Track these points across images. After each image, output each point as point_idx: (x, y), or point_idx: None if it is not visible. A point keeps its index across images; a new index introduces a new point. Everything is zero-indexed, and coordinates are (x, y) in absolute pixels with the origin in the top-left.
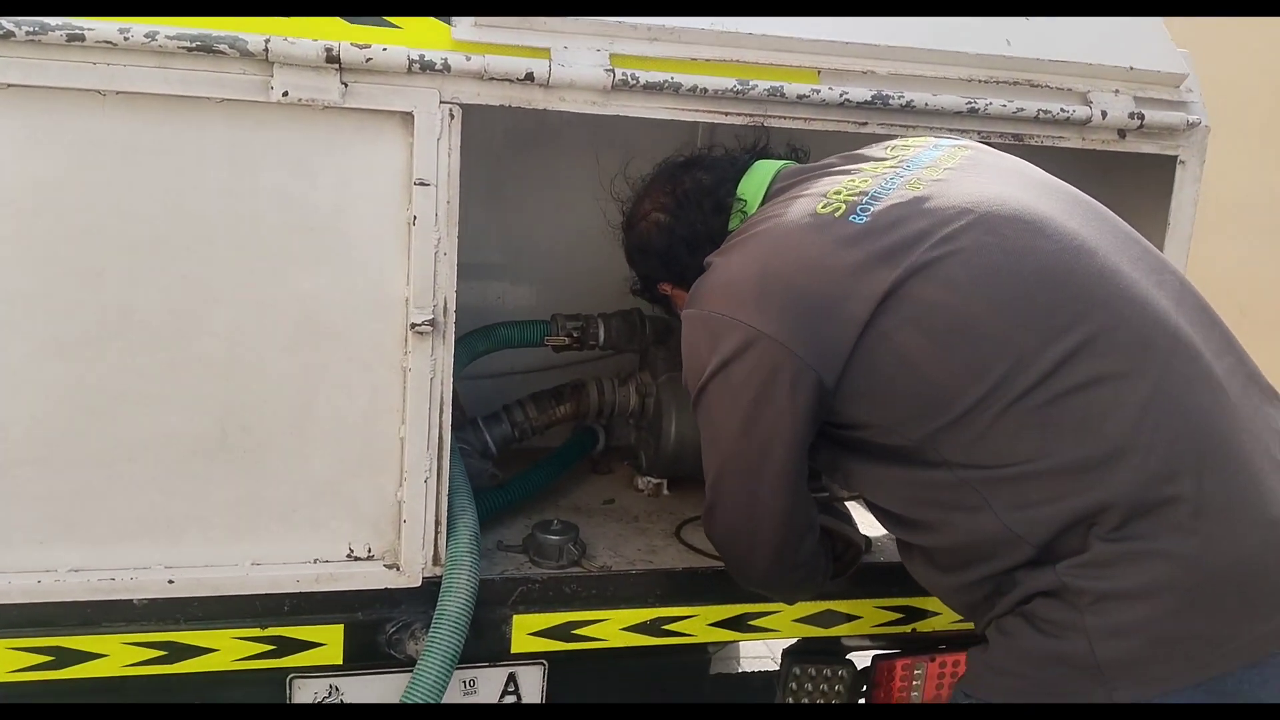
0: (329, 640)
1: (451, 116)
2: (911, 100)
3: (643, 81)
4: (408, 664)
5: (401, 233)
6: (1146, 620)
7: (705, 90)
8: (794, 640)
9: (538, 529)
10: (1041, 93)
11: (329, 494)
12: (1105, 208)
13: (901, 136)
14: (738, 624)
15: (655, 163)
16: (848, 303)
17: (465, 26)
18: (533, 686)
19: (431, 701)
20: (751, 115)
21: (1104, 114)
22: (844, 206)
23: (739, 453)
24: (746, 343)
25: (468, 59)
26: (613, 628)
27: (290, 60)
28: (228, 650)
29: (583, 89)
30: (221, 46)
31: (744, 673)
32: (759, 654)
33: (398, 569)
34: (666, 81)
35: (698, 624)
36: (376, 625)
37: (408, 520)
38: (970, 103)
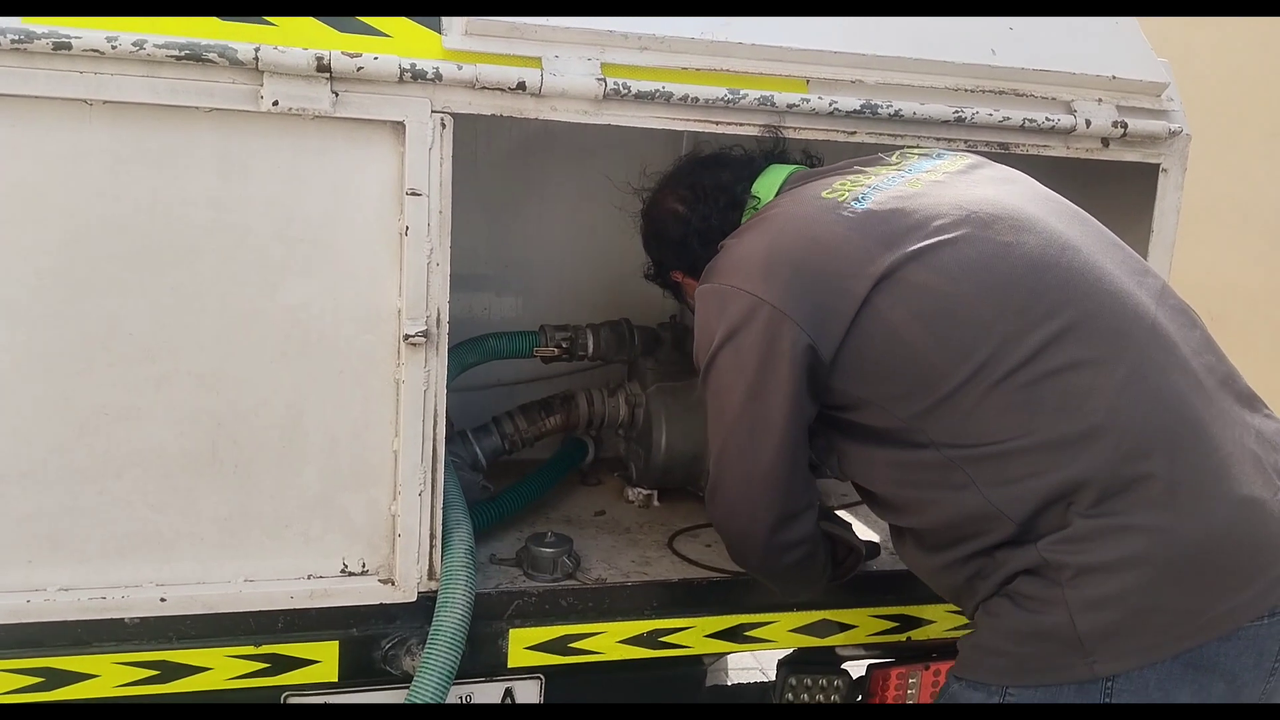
0: (324, 657)
1: (443, 126)
2: (900, 109)
3: (634, 91)
4: (404, 680)
5: (393, 243)
6: (1124, 592)
7: (696, 99)
8: (789, 651)
9: (531, 542)
10: (1026, 102)
11: (321, 508)
12: (1091, 216)
13: (910, 147)
14: (734, 635)
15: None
16: (847, 280)
17: (456, 35)
18: (530, 700)
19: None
20: (742, 124)
21: (1088, 123)
22: (847, 195)
23: (743, 419)
24: (751, 311)
25: (459, 68)
26: (609, 640)
27: (280, 69)
28: (221, 669)
29: (574, 98)
30: (211, 55)
31: (740, 684)
32: (746, 665)
33: (393, 584)
34: (658, 91)
35: (694, 635)
36: (372, 641)
37: (402, 534)
38: (957, 112)
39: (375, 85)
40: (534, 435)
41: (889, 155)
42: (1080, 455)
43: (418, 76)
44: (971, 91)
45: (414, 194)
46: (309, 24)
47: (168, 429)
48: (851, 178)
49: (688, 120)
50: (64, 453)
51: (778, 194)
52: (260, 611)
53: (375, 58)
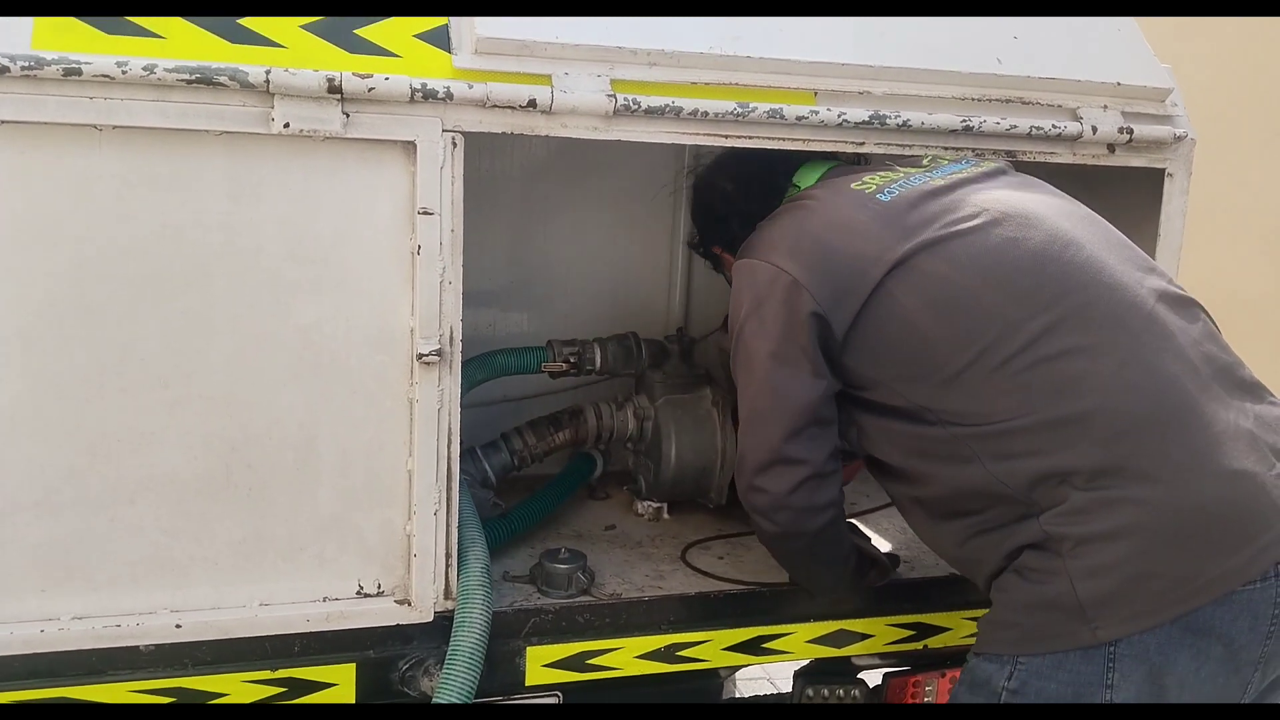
0: (341, 680)
1: (454, 145)
2: (908, 120)
3: (644, 106)
4: (422, 701)
5: (405, 263)
6: (1120, 561)
7: (706, 114)
8: (805, 662)
9: (545, 558)
10: (1033, 110)
11: (336, 529)
12: (1102, 219)
13: (940, 154)
14: (752, 647)
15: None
16: (864, 263)
17: (466, 55)
18: None
19: None
20: (751, 137)
21: (1094, 129)
22: (875, 188)
23: (770, 382)
24: (774, 280)
25: (470, 87)
26: (627, 656)
27: (291, 91)
28: (238, 694)
29: (585, 114)
30: (221, 78)
31: (757, 696)
32: (754, 676)
33: (409, 604)
34: (667, 106)
35: (712, 649)
36: (389, 663)
37: (418, 554)
38: (965, 120)
39: (386, 105)
40: (543, 451)
41: (922, 159)
42: (1075, 434)
43: (429, 96)
44: (978, 100)
45: (426, 213)
46: (318, 45)
47: (180, 453)
48: (883, 174)
49: (697, 134)
50: (76, 479)
51: (814, 185)
52: (276, 635)
53: (386, 78)
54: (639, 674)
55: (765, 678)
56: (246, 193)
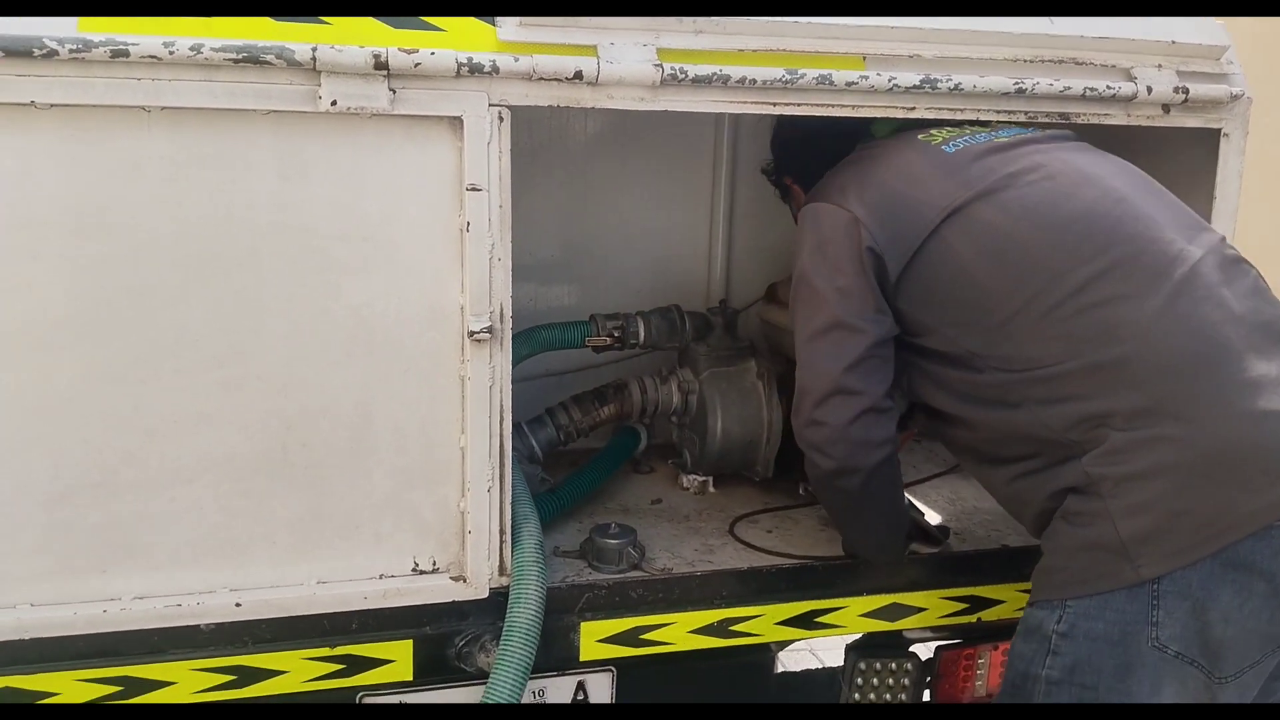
0: (398, 656)
1: (500, 119)
2: (960, 83)
3: (691, 75)
4: (478, 677)
5: (454, 239)
6: (1158, 497)
7: (754, 81)
8: (857, 636)
9: (596, 533)
10: (1086, 70)
11: (391, 507)
12: (1155, 181)
13: (1006, 121)
14: (805, 621)
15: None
16: (922, 209)
17: (510, 27)
18: (602, 693)
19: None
20: (800, 104)
21: (1149, 89)
22: (940, 140)
23: (834, 315)
24: (836, 218)
25: (516, 60)
26: (680, 631)
27: (338, 68)
28: (297, 671)
29: (631, 85)
30: (268, 57)
31: (808, 670)
32: (797, 648)
33: (464, 581)
34: (715, 74)
35: (764, 623)
36: (445, 639)
37: (472, 531)
38: (1018, 83)
39: (432, 81)
40: (588, 425)
41: (989, 123)
42: (1115, 378)
43: (475, 70)
44: (1030, 62)
45: (474, 189)
46: (362, 20)
47: (237, 433)
48: (950, 130)
49: (745, 102)
50: (135, 461)
51: (886, 135)
52: (334, 613)
53: (432, 53)
54: (691, 649)
55: (808, 650)
56: (295, 172)
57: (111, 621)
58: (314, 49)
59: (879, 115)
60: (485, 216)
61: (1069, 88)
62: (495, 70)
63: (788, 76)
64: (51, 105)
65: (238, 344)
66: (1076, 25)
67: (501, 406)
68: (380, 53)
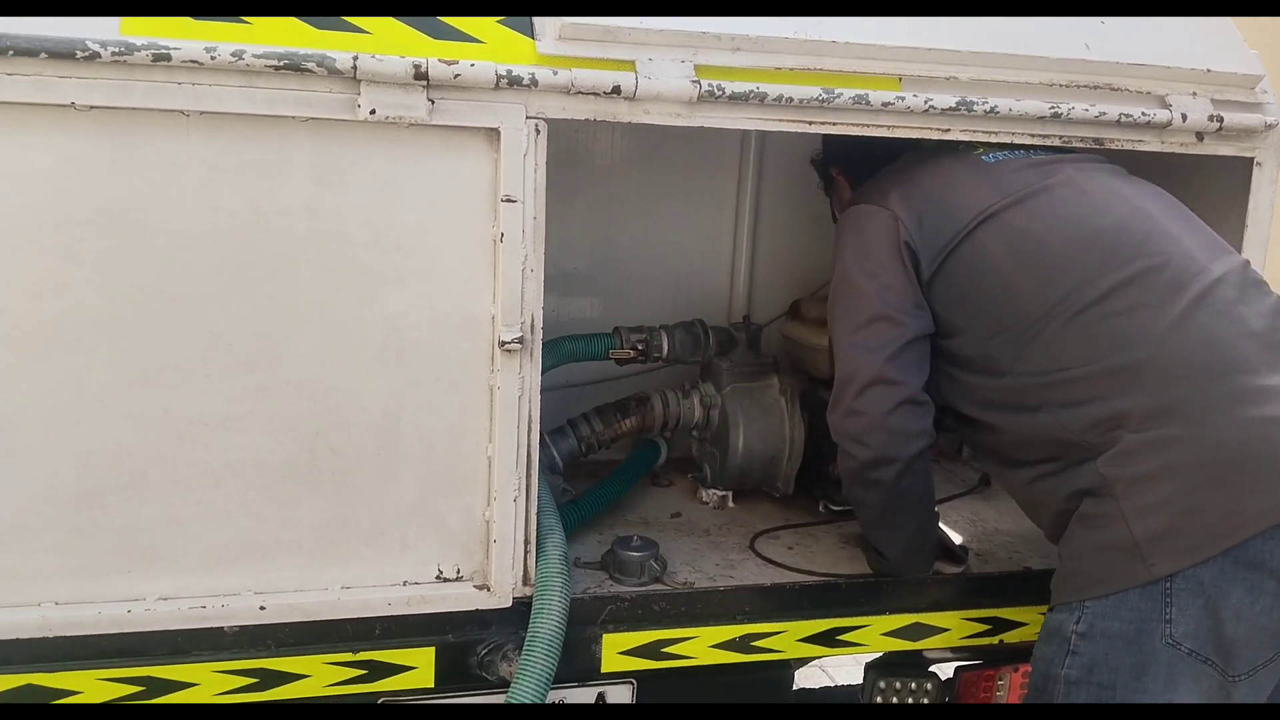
0: (420, 663)
1: (537, 131)
2: (995, 106)
3: (728, 92)
4: (499, 686)
5: (487, 250)
6: (1170, 496)
7: (790, 99)
8: (877, 655)
9: (618, 545)
10: (1121, 96)
11: (417, 515)
12: (1185, 206)
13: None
14: (827, 639)
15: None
16: (958, 211)
17: (550, 40)
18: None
19: None
20: (835, 124)
21: (1184, 117)
22: (982, 150)
23: (873, 308)
24: (878, 219)
25: (555, 73)
26: (702, 645)
27: (378, 78)
28: (319, 676)
29: (668, 101)
30: (309, 65)
31: (828, 687)
32: (810, 667)
33: (488, 590)
34: (752, 92)
35: (786, 640)
36: (468, 647)
37: (497, 540)
38: (1053, 108)
39: (471, 92)
40: (610, 438)
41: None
42: (1130, 380)
43: (514, 83)
44: (1066, 87)
45: (509, 200)
46: (401, 30)
47: (266, 438)
48: (992, 146)
49: (780, 120)
50: (163, 463)
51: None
52: (358, 618)
53: (472, 65)
54: (712, 663)
55: (819, 668)
56: (332, 180)
57: (135, 622)
58: (355, 58)
59: (914, 136)
60: (519, 228)
61: (1104, 113)
62: (534, 83)
63: (824, 95)
64: (91, 107)
65: (269, 349)
66: (1112, 50)
67: (530, 417)
68: (421, 63)
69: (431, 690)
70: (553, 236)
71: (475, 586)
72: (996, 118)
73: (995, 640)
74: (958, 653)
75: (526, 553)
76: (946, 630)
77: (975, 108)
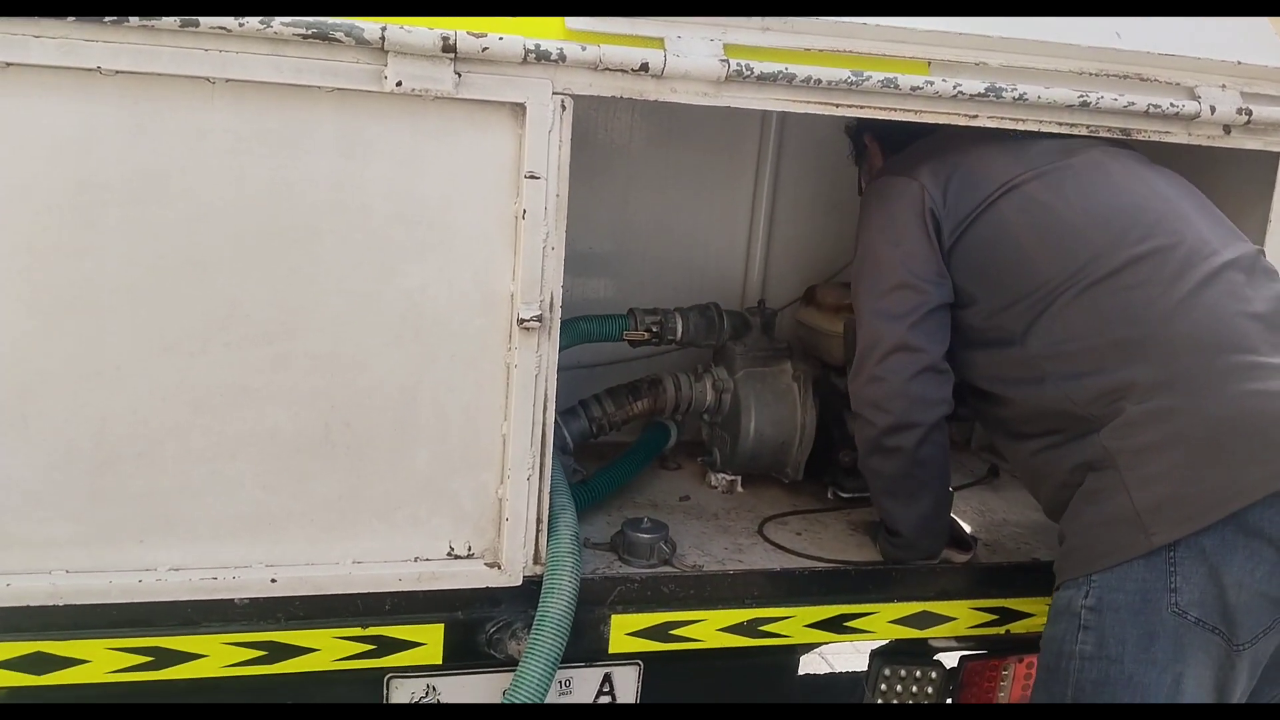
0: (429, 640)
1: (563, 107)
2: (1025, 93)
3: (757, 73)
4: (507, 664)
5: (509, 226)
6: (1171, 467)
7: (819, 81)
8: (883, 642)
9: (628, 527)
10: (1150, 87)
11: (430, 491)
12: (1203, 195)
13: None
14: (834, 625)
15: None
16: (982, 180)
17: (578, 15)
18: (628, 687)
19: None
20: (863, 107)
21: (1212, 109)
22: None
23: (897, 275)
24: (905, 188)
25: (583, 49)
26: (709, 628)
27: (406, 49)
28: (328, 650)
29: (696, 80)
30: (337, 34)
31: (833, 673)
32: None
33: (499, 568)
34: (780, 72)
35: (794, 625)
36: (477, 625)
37: (509, 518)
38: (1082, 96)
39: (498, 66)
40: (621, 419)
41: None
42: (1135, 353)
43: (541, 57)
44: (1095, 75)
45: (532, 177)
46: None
47: (282, 410)
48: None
49: (808, 102)
50: (179, 433)
51: None
52: (368, 593)
53: (500, 38)
54: (719, 646)
55: (819, 655)
56: (356, 151)
57: (146, 592)
58: (383, 28)
59: (942, 121)
60: (542, 205)
61: (1132, 103)
62: (562, 58)
63: (853, 78)
64: (117, 72)
65: (289, 321)
66: (1142, 40)
67: (546, 395)
68: (449, 35)
69: (439, 667)
70: (569, 216)
71: (486, 564)
72: (1025, 105)
73: (1002, 630)
74: (963, 642)
75: (538, 532)
76: (954, 619)
77: (1004, 94)
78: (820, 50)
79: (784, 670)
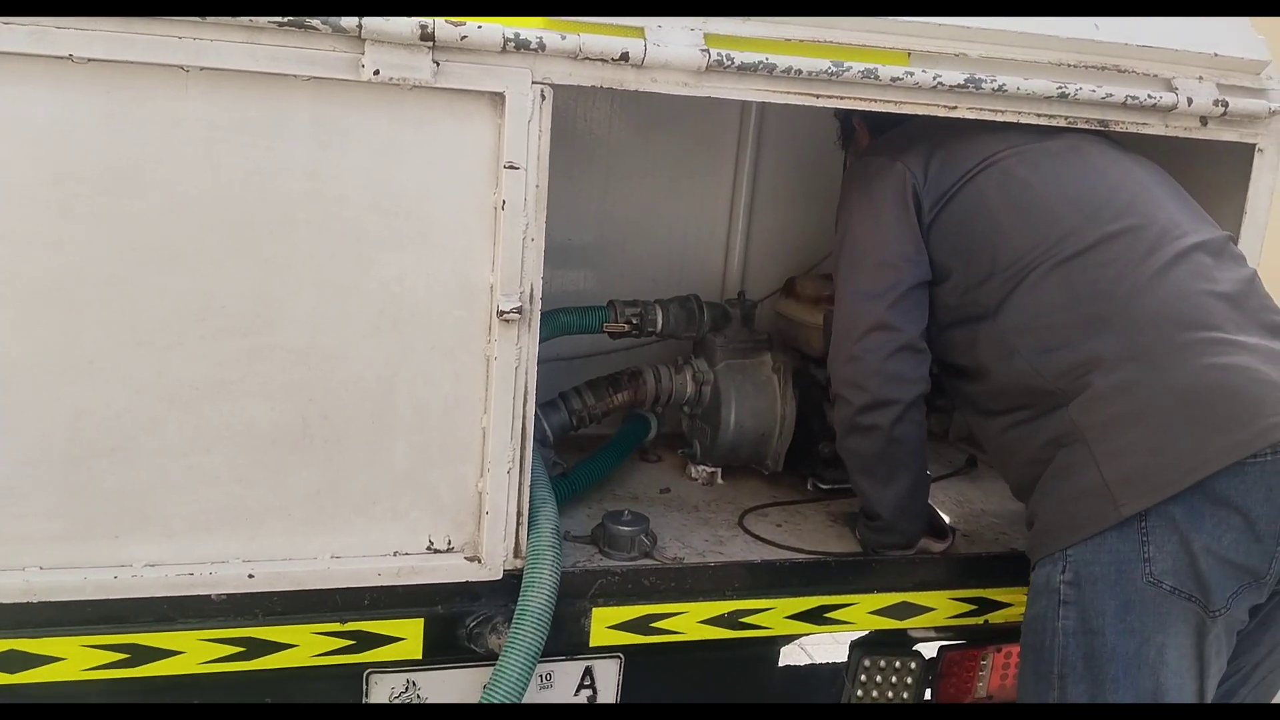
0: (408, 635)
1: (543, 97)
2: (1004, 84)
3: (737, 63)
4: (487, 658)
5: (488, 217)
6: (1138, 439)
7: (800, 72)
8: (863, 632)
9: (608, 519)
10: (1128, 78)
11: (409, 484)
12: (1175, 182)
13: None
14: (815, 616)
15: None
16: (960, 158)
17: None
18: (608, 680)
19: (513, 700)
20: (843, 98)
21: (1189, 101)
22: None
23: (876, 254)
24: (886, 168)
25: (563, 38)
26: (690, 620)
27: (383, 37)
28: (307, 645)
29: (677, 70)
30: (314, 22)
31: (813, 664)
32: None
33: (479, 561)
34: (761, 63)
35: (774, 616)
36: (456, 619)
37: (489, 512)
38: (1061, 87)
39: (477, 55)
40: (601, 412)
41: None
42: (1103, 327)
43: (521, 46)
44: (1074, 67)
45: (512, 167)
46: None
47: (259, 403)
48: None
49: (788, 93)
50: (155, 427)
51: None
52: (346, 588)
53: (479, 26)
54: (700, 639)
55: (800, 646)
56: (332, 141)
57: (122, 588)
58: (361, 16)
59: (921, 112)
60: (521, 195)
61: (1111, 94)
62: (542, 47)
63: (833, 69)
64: (90, 60)
65: (265, 312)
66: (1121, 32)
67: (526, 388)
68: (427, 23)
69: (419, 662)
70: (549, 207)
71: (466, 558)
72: (1004, 96)
73: (980, 620)
74: (942, 632)
75: (519, 525)
76: (933, 610)
77: (983, 85)
78: (801, 40)
79: (764, 662)
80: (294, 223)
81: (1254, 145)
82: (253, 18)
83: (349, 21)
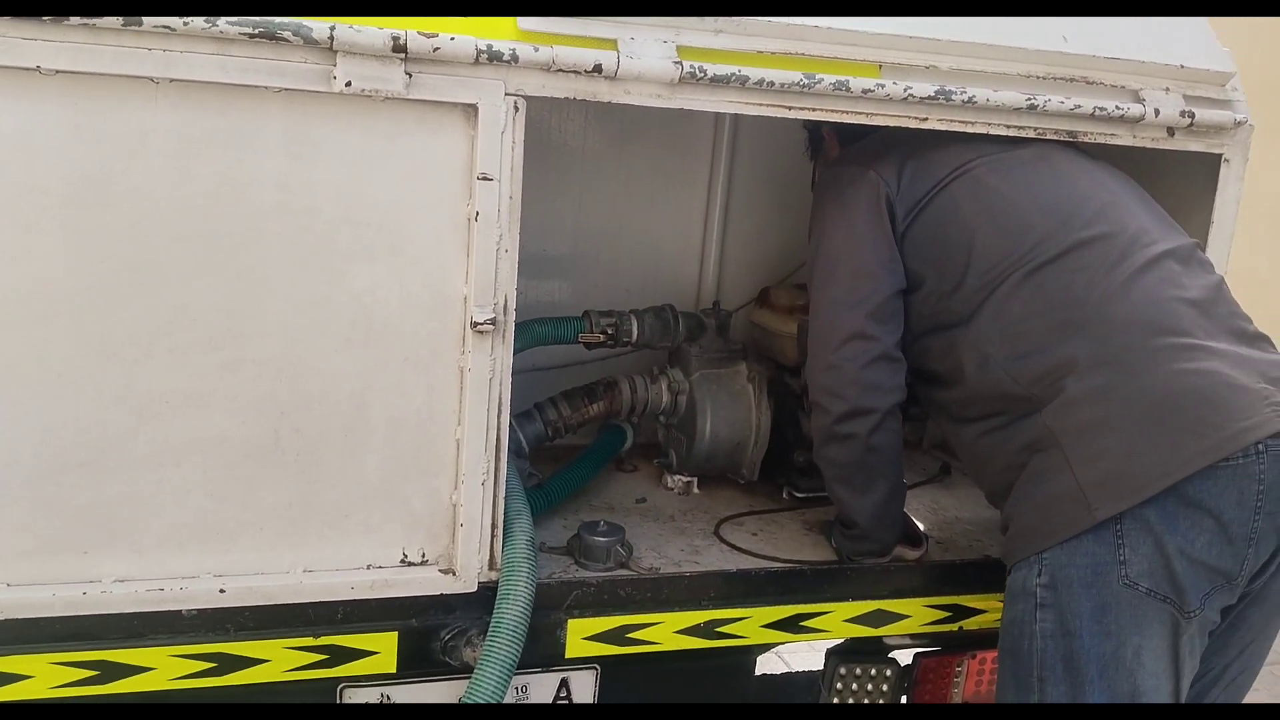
0: (382, 648)
1: (516, 109)
2: (973, 96)
3: (710, 75)
4: (463, 671)
5: (461, 229)
6: (1112, 444)
7: (772, 84)
8: (838, 641)
9: (584, 530)
10: (1096, 90)
11: (383, 497)
12: (1144, 190)
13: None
14: (790, 625)
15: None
16: (936, 167)
17: (531, 16)
18: (585, 691)
19: None
20: (814, 110)
21: (1156, 112)
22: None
23: (852, 264)
24: (858, 178)
25: (536, 50)
26: (666, 631)
27: (355, 49)
28: (279, 660)
29: (650, 82)
30: (285, 34)
31: (790, 672)
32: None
33: (453, 574)
34: (734, 75)
35: (750, 626)
36: (431, 632)
37: (464, 524)
38: (1030, 99)
39: (450, 67)
40: (577, 422)
41: None
42: (1075, 333)
43: (494, 58)
44: (1042, 79)
45: (485, 179)
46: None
47: (230, 417)
48: None
49: (761, 104)
50: (123, 441)
51: None
52: (319, 602)
53: (452, 38)
54: (677, 649)
55: (777, 655)
56: (304, 153)
57: (91, 604)
58: (332, 28)
59: (893, 124)
60: (495, 207)
61: (1079, 106)
62: (514, 59)
63: (805, 81)
64: (57, 71)
65: (236, 325)
66: (1088, 44)
67: (500, 399)
68: (399, 35)
69: (394, 676)
70: (523, 218)
71: (440, 571)
72: (974, 108)
73: (955, 627)
74: (917, 639)
75: (493, 537)
76: (908, 617)
77: (953, 97)
78: (773, 53)
79: (741, 671)
80: (265, 235)
81: (1220, 155)
82: (223, 29)
83: (320, 33)
